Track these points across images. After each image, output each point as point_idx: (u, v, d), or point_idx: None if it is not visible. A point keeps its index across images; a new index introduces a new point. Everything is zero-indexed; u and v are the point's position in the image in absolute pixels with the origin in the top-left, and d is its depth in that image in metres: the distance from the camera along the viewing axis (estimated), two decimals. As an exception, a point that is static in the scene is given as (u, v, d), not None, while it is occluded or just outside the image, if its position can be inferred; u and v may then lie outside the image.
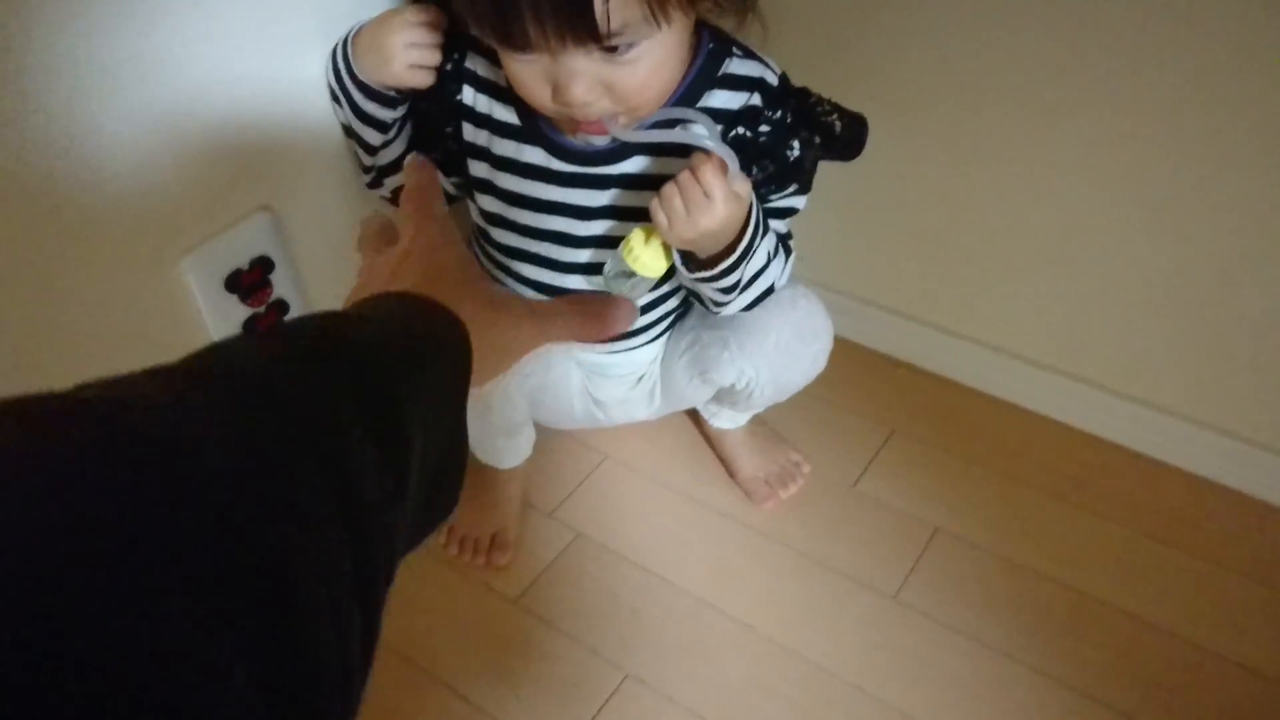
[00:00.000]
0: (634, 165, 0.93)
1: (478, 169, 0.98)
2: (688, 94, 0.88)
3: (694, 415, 1.32)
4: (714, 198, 0.78)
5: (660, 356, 1.15)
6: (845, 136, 0.87)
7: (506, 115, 0.94)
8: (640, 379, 1.17)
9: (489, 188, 0.98)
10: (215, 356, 0.31)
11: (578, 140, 0.91)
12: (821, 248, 1.40)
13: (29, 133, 0.73)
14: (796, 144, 0.89)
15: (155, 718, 0.18)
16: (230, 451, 0.25)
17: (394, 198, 1.01)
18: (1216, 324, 1.14)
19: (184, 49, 0.82)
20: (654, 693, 1.07)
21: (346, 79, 0.91)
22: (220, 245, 0.92)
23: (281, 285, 0.98)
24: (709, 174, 0.78)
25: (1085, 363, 1.27)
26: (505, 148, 0.95)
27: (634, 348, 1.12)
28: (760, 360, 1.04)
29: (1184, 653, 1.08)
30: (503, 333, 0.49)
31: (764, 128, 0.89)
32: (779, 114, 0.89)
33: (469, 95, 0.95)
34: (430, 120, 0.98)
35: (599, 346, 1.10)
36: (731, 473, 1.28)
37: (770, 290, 0.97)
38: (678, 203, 0.79)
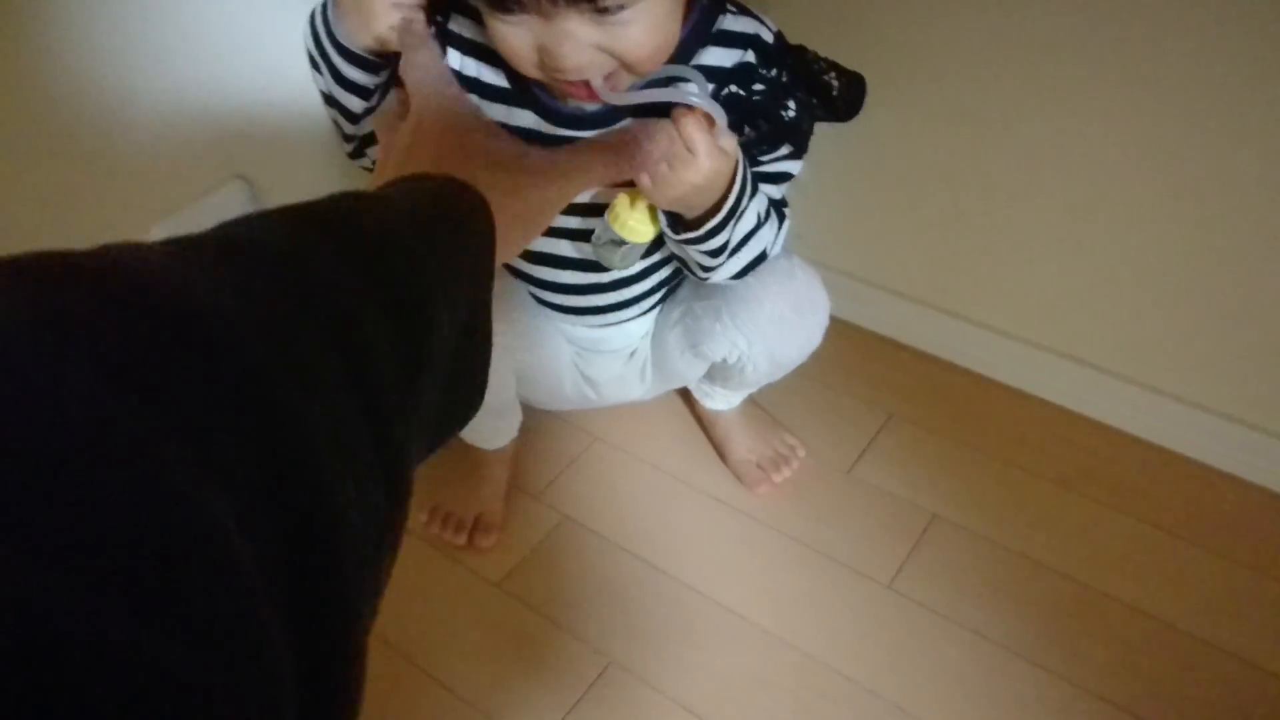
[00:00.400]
0: (631, 131, 0.89)
1: None
2: (681, 52, 0.84)
3: (687, 397, 1.29)
4: (697, 152, 0.75)
5: (652, 331, 1.12)
6: (843, 96, 0.83)
7: (496, 79, 0.90)
8: (633, 354, 1.13)
9: None
10: (230, 226, 0.30)
11: (569, 105, 0.88)
12: (822, 226, 1.36)
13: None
14: (793, 104, 0.85)
15: (151, 566, 0.18)
16: (233, 307, 0.24)
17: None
18: (1228, 308, 1.10)
19: (158, 14, 0.78)
20: (639, 681, 1.04)
21: (327, 43, 0.87)
22: (194, 213, 0.89)
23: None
24: (691, 127, 0.75)
25: (1092, 347, 1.23)
26: (495, 112, 0.92)
27: (626, 320, 1.08)
28: (754, 332, 1.01)
29: (1188, 648, 1.04)
30: (526, 197, 0.47)
31: (758, 86, 0.85)
32: (774, 72, 0.85)
33: (455, 59, 0.91)
34: None
35: (590, 320, 1.07)
36: (724, 456, 1.24)
37: (763, 257, 0.93)
38: (660, 158, 0.76)
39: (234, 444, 0.21)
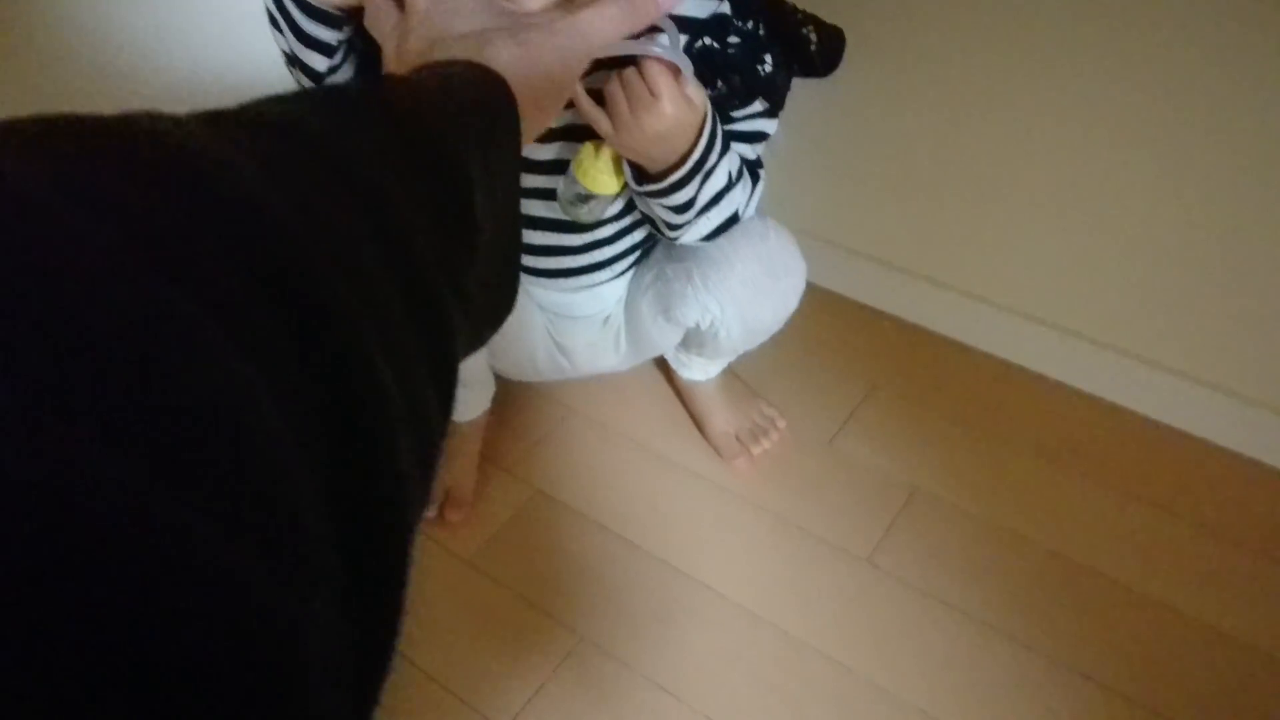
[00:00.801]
0: (596, 80, 0.85)
1: None
2: None
3: (664, 368, 1.25)
4: (660, 96, 0.73)
5: (625, 297, 1.08)
6: (821, 51, 0.79)
7: None
8: (606, 320, 1.10)
9: None
10: (261, 104, 0.29)
11: None
12: (802, 192, 1.32)
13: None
14: (769, 59, 0.81)
15: (181, 435, 0.17)
16: (268, 183, 0.23)
17: None
18: (1217, 277, 1.07)
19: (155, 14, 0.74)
20: (610, 659, 1.01)
21: None
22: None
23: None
24: (655, 71, 0.72)
25: (1080, 316, 1.20)
26: None
27: (599, 283, 1.05)
28: (725, 295, 0.98)
29: (1175, 625, 1.02)
30: (545, 72, 0.45)
31: (733, 39, 0.81)
32: (749, 24, 0.81)
33: None
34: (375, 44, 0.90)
35: (563, 284, 1.03)
36: (702, 428, 1.21)
37: (735, 219, 0.90)
38: (621, 102, 0.74)
39: (269, 320, 0.21)
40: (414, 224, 0.29)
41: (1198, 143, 1.00)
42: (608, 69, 0.84)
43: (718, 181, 0.84)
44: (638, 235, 1.02)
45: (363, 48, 0.91)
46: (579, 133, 0.88)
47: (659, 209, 0.87)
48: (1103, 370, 1.21)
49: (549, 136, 0.89)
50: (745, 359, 1.15)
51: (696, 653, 1.01)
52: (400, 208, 0.28)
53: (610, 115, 0.75)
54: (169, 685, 0.15)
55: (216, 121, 0.26)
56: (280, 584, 0.18)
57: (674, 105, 0.74)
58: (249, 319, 0.20)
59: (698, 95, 0.76)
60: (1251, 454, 1.16)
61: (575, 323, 1.09)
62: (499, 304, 0.41)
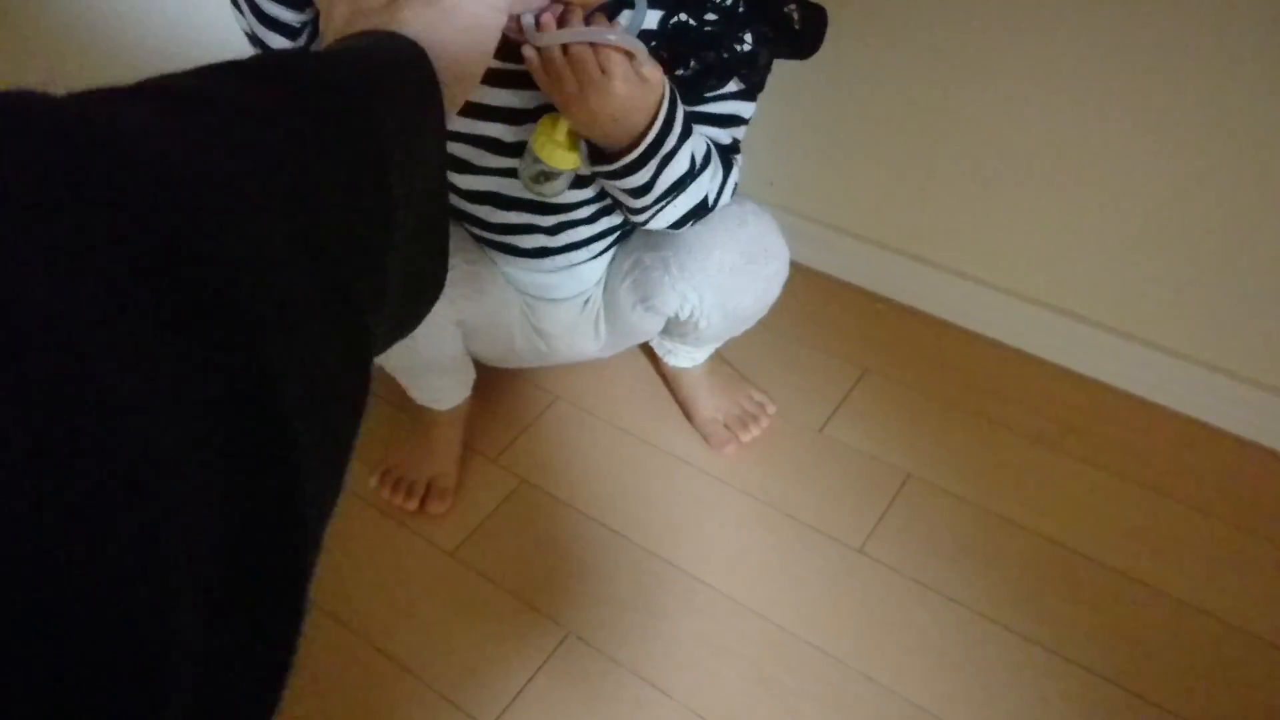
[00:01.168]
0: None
1: None
2: None
3: (651, 353, 1.22)
4: (612, 74, 0.71)
5: (605, 280, 1.06)
6: (803, 30, 0.76)
7: None
8: (586, 302, 1.07)
9: None
10: (176, 77, 0.28)
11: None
12: (792, 171, 1.29)
13: None
14: (749, 38, 0.78)
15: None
16: (177, 154, 0.23)
17: None
18: (1217, 255, 1.04)
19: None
20: (597, 653, 0.99)
21: None
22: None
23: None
24: (605, 49, 0.70)
25: (1075, 297, 1.17)
26: None
27: (576, 264, 1.02)
28: (704, 283, 0.95)
29: (1174, 612, 0.99)
30: (461, 35, 0.44)
31: (710, 15, 0.78)
32: (728, 1, 0.78)
33: None
34: None
35: (541, 264, 1.00)
36: (689, 415, 1.19)
37: (704, 205, 0.88)
38: (569, 79, 0.72)
39: (157, 301, 0.20)
40: (322, 196, 0.28)
41: (1199, 118, 0.97)
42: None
43: (678, 167, 0.82)
44: (616, 216, 0.99)
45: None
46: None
47: (617, 192, 0.85)
48: (1100, 352, 1.18)
49: (525, 117, 0.86)
50: (733, 343, 1.12)
51: (685, 646, 0.99)
52: (308, 180, 0.27)
53: (557, 92, 0.73)
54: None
55: (120, 93, 0.25)
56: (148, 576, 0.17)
57: (625, 85, 0.72)
58: (135, 300, 0.19)
59: (653, 74, 0.74)
60: (1252, 436, 1.14)
61: (554, 305, 1.06)
62: (424, 287, 0.40)
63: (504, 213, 0.95)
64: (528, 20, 0.72)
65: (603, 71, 0.71)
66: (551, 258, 1.00)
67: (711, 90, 0.84)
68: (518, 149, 0.87)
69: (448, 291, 0.96)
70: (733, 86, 0.85)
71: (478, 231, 1.00)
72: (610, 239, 1.02)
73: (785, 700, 0.95)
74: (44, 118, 0.21)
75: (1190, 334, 1.11)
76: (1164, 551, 1.04)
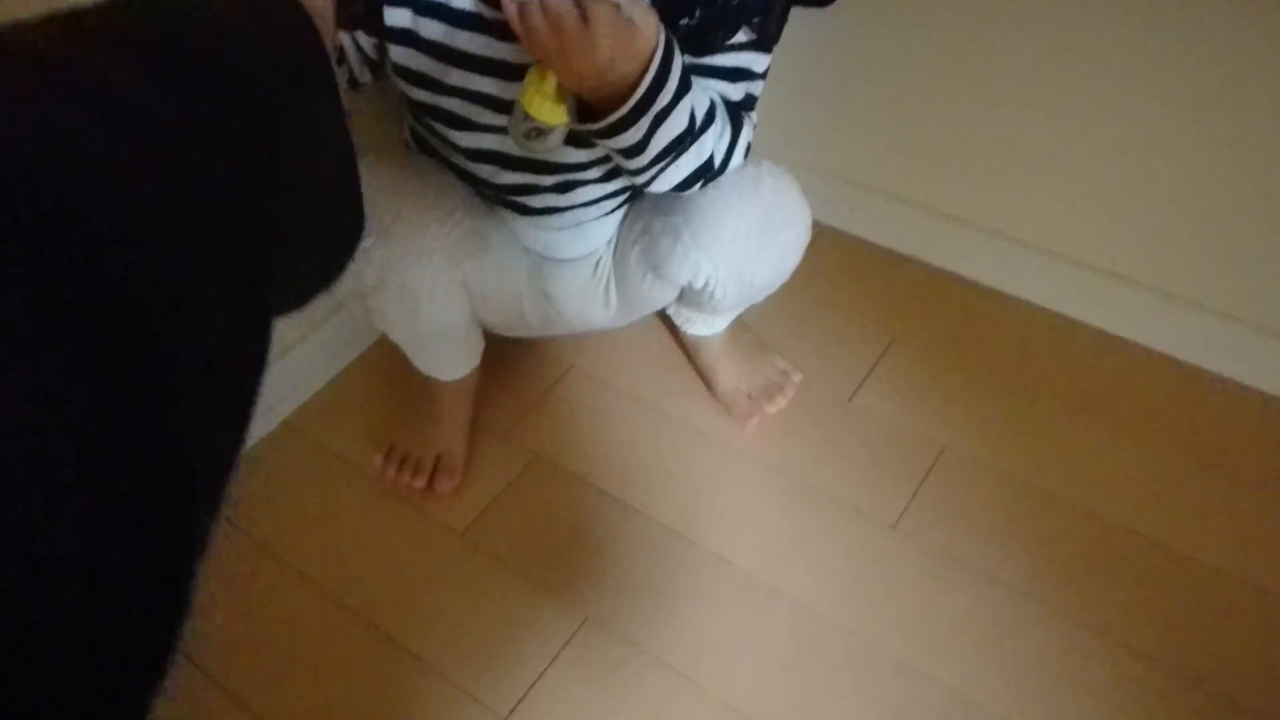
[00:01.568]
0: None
1: (397, 17, 0.80)
2: None
3: (670, 320, 1.16)
4: (595, 23, 0.65)
5: (614, 242, 0.99)
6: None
7: None
8: (596, 264, 1.01)
9: (410, 39, 0.81)
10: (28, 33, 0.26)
11: None
12: (813, 126, 1.22)
13: None
14: None
15: None
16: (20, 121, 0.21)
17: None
18: (1265, 211, 0.97)
19: None
20: (617, 638, 0.94)
21: None
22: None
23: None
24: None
25: (1119, 257, 1.11)
26: None
27: (585, 221, 0.96)
28: (717, 253, 0.89)
29: (1223, 590, 0.94)
30: None
31: None
32: None
33: None
34: None
35: (548, 222, 0.95)
36: (710, 386, 1.13)
37: (710, 167, 0.82)
38: (545, 33, 0.66)
39: (30, 258, 0.19)
40: (205, 163, 0.26)
41: (1250, 72, 0.90)
42: None
43: (675, 125, 0.76)
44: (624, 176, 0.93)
45: None
46: None
47: (611, 152, 0.79)
48: (1147, 316, 1.12)
49: (514, 72, 0.80)
50: (756, 309, 1.05)
51: (709, 630, 0.94)
52: (186, 145, 0.26)
53: (539, 46, 0.67)
54: None
55: None
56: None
57: (611, 33, 0.66)
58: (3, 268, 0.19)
59: (645, 21, 0.68)
60: (1306, 403, 1.07)
61: (562, 267, 1.00)
62: (337, 240, 0.37)
63: (508, 173, 0.90)
64: None
65: (585, 22, 0.65)
66: (559, 215, 0.94)
67: (720, 42, 0.77)
68: (507, 106, 0.81)
69: (450, 249, 0.91)
70: (743, 37, 0.78)
71: (483, 190, 0.94)
72: (621, 198, 0.96)
73: (815, 686, 0.90)
74: None
75: (1243, 297, 1.05)
76: (1220, 529, 0.98)
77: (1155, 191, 1.03)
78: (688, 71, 0.74)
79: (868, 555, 0.99)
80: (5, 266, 0.19)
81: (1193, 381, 1.11)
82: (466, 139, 0.87)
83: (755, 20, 0.76)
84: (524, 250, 1.00)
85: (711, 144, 0.80)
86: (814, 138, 1.23)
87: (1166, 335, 1.12)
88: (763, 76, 0.84)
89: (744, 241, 0.89)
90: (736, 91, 0.83)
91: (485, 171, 0.91)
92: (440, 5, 0.79)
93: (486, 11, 0.78)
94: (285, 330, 1.11)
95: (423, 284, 0.90)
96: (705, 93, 0.78)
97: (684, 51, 0.74)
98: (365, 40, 0.85)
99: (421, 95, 0.85)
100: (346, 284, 0.90)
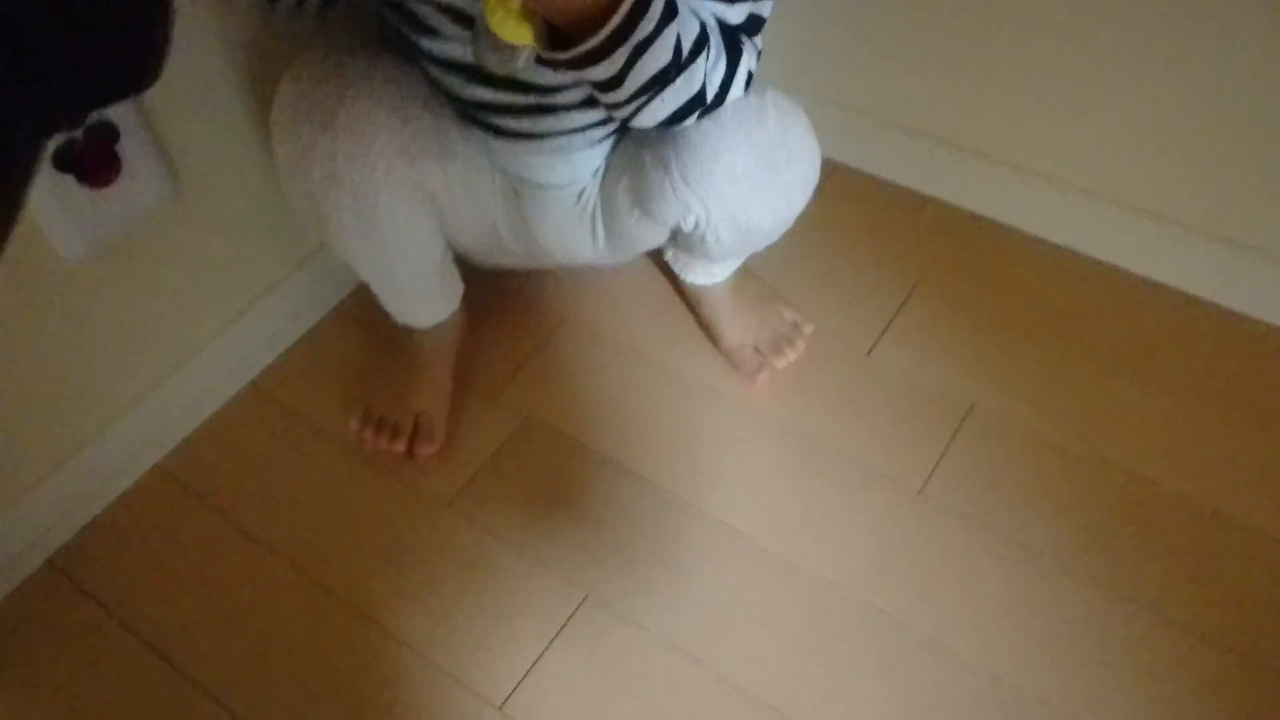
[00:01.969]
0: None
1: None
2: None
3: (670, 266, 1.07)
4: None
5: (601, 173, 0.90)
6: None
7: None
8: (580, 195, 0.91)
9: None
10: None
11: None
12: (829, 53, 1.13)
13: None
14: None
15: None
16: None
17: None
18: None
19: None
20: (619, 618, 0.86)
21: None
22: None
23: (135, 158, 0.82)
24: None
25: (1159, 196, 1.03)
26: None
27: (567, 150, 0.87)
28: (708, 193, 0.80)
29: (1276, 560, 0.86)
30: None
31: None
32: None
33: None
34: None
35: (529, 147, 0.86)
36: (714, 339, 1.04)
37: (701, 100, 0.73)
38: None
39: None
40: None
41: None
42: None
43: (657, 58, 0.66)
44: None
45: None
46: None
47: (584, 84, 0.70)
48: (1191, 260, 1.04)
49: None
50: (763, 254, 0.96)
51: (719, 608, 0.87)
52: None
53: None
54: None
55: None
56: None
57: None
58: None
59: None
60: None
61: (543, 193, 0.91)
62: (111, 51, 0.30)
63: (478, 87, 0.81)
64: None
65: None
66: (538, 141, 0.85)
67: None
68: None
69: (407, 146, 0.83)
70: None
71: (455, 106, 0.86)
72: (610, 126, 0.86)
73: (837, 669, 0.83)
74: None
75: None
76: (1266, 491, 0.91)
77: (1201, 122, 0.94)
78: None
79: (891, 524, 0.91)
80: None
81: (1243, 332, 1.03)
82: (437, 47, 0.79)
83: None
84: (501, 171, 0.90)
85: (703, 74, 0.71)
86: (828, 66, 1.13)
87: (1214, 282, 1.04)
88: None
89: (740, 181, 0.80)
90: (736, 13, 0.73)
91: (453, 84, 0.82)
92: None
93: None
94: (252, 281, 1.02)
95: (375, 180, 0.81)
96: (690, 17, 0.68)
97: None
98: None
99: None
100: (298, 185, 0.82)
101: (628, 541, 0.91)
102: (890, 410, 0.99)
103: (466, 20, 0.74)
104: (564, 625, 0.87)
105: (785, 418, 0.99)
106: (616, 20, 0.61)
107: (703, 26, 0.70)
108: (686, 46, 0.68)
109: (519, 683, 0.83)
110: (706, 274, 1.01)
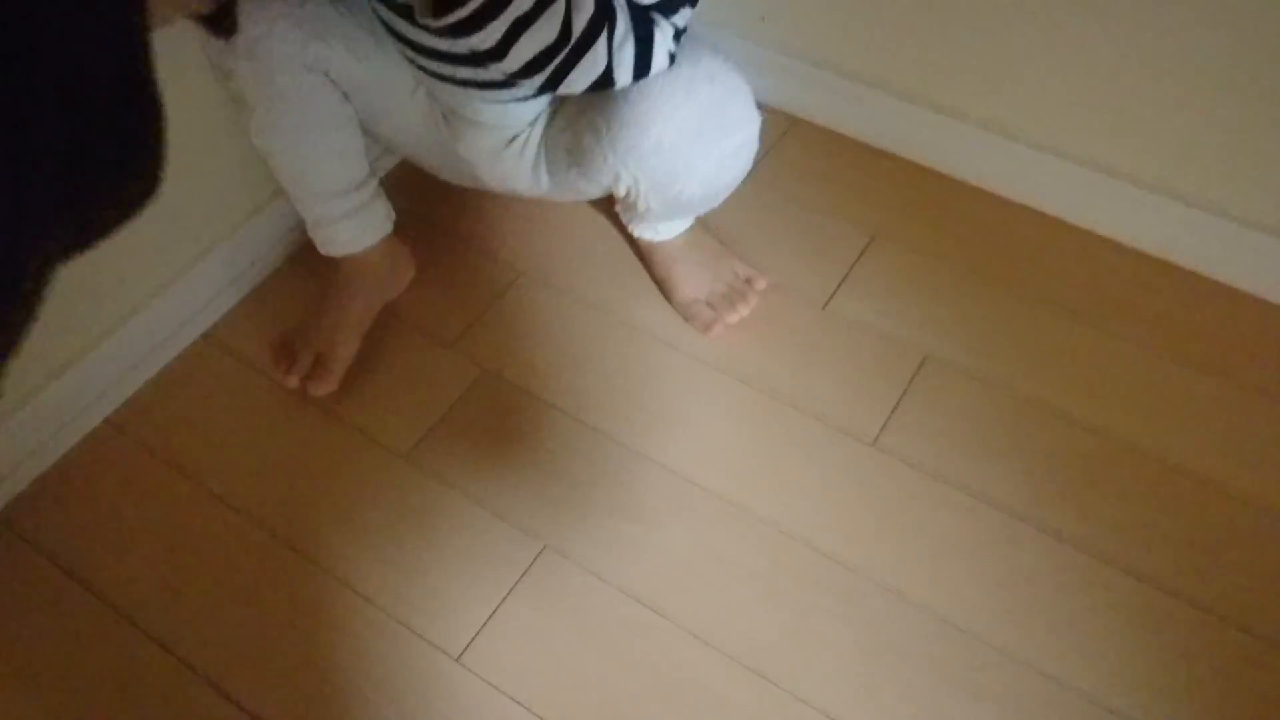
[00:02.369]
0: None
1: None
2: None
3: (627, 220, 1.06)
4: None
5: (543, 122, 0.89)
6: None
7: None
8: (514, 139, 0.90)
9: None
10: None
11: None
12: (788, 8, 1.11)
13: None
14: None
15: None
16: None
17: None
18: (1270, 101, 0.89)
19: None
20: (577, 567, 0.86)
21: None
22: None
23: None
24: None
25: (1110, 149, 1.03)
26: None
27: (496, 101, 0.86)
28: (636, 164, 0.80)
29: (1226, 506, 0.89)
30: None
31: None
32: None
33: None
34: None
35: (451, 90, 0.86)
36: (667, 294, 1.04)
37: (609, 77, 0.73)
38: None
39: None
40: None
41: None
42: None
43: (542, 34, 0.66)
44: None
45: None
46: None
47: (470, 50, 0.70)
48: (1138, 212, 1.05)
49: None
50: (720, 208, 0.95)
51: (678, 557, 0.87)
52: None
53: None
54: None
55: None
56: None
57: None
58: None
59: None
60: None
61: (475, 129, 0.91)
62: (103, 181, 0.30)
63: (414, 30, 0.80)
64: None
65: None
66: (465, 89, 0.83)
67: None
68: None
69: (303, 24, 0.81)
70: None
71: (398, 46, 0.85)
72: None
73: (795, 616, 0.83)
74: None
75: (1246, 196, 0.98)
76: (1221, 440, 0.93)
77: (1155, 76, 0.95)
78: None
79: (847, 473, 0.92)
80: None
81: (1192, 286, 1.04)
82: None
83: None
84: (427, 95, 0.89)
85: (605, 53, 0.71)
86: (782, 15, 1.12)
87: (1165, 237, 1.05)
88: None
89: (667, 153, 0.79)
90: None
91: (380, 11, 0.82)
92: None
93: None
94: (203, 231, 0.99)
95: (271, 50, 0.81)
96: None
97: None
98: None
99: None
100: (211, 52, 0.83)
101: (586, 492, 0.91)
102: (846, 361, 0.99)
103: None
104: (522, 576, 0.86)
105: (743, 369, 0.99)
106: None
107: (603, 7, 0.69)
108: (579, 26, 0.68)
109: (476, 633, 0.83)
110: (654, 230, 1.00)
